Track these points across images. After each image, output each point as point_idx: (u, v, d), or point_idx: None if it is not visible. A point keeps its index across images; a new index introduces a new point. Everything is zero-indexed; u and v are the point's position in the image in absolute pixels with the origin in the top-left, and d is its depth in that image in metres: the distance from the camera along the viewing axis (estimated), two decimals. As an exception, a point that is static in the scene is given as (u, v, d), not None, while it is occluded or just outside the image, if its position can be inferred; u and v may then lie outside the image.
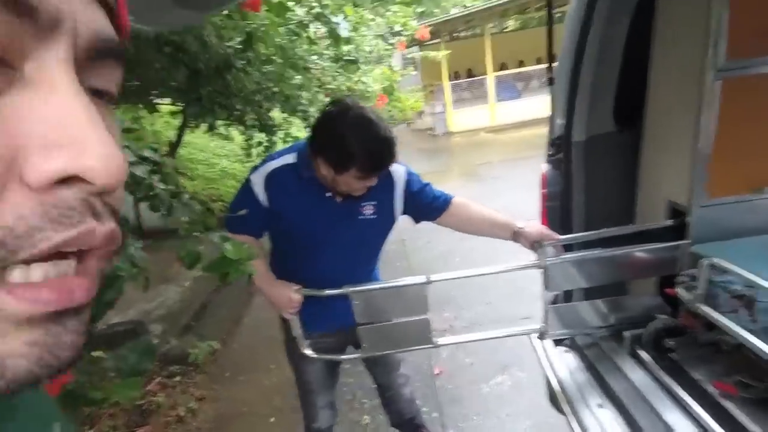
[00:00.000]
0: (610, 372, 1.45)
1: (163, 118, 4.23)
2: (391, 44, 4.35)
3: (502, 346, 2.71)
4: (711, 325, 1.29)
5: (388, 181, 1.39)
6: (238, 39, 2.02)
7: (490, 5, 11.28)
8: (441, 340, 1.45)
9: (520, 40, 14.07)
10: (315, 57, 3.23)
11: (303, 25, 2.31)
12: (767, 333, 1.02)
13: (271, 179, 1.32)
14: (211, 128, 2.33)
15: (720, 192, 1.34)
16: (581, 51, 1.55)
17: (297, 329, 1.40)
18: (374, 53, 4.14)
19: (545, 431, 2.12)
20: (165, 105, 3.29)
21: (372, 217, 1.38)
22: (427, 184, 1.47)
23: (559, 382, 1.52)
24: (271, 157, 1.39)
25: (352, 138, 1.16)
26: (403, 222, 1.58)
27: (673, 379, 1.29)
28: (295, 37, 2.63)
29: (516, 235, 1.40)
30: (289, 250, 1.44)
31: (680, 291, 1.30)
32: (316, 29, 2.99)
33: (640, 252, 1.42)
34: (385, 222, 1.43)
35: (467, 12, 11.57)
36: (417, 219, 1.50)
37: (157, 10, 0.73)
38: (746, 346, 1.19)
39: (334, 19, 2.22)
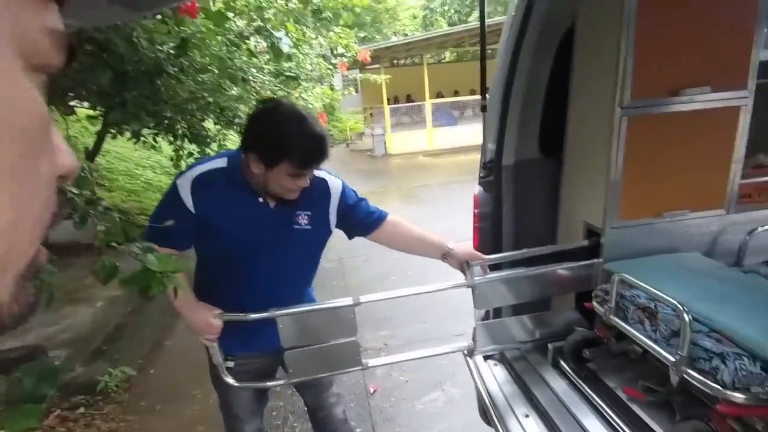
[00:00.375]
0: (536, 383, 1.53)
1: (81, 122, 3.89)
2: (333, 64, 4.40)
3: (436, 364, 2.74)
4: (621, 336, 1.41)
5: (324, 192, 1.37)
6: (172, 44, 1.93)
7: (429, 36, 11.89)
8: (371, 362, 1.43)
9: (456, 72, 14.88)
10: (255, 70, 3.19)
11: (243, 37, 2.27)
12: (668, 341, 1.13)
13: (199, 183, 1.24)
14: (136, 136, 2.18)
15: (629, 216, 1.49)
16: (510, 84, 1.68)
17: (217, 357, 1.31)
18: (316, 72, 4.16)
19: (476, 446, 2.16)
20: (83, 109, 3.04)
21: (307, 227, 1.34)
22: (363, 199, 1.47)
23: (489, 395, 1.56)
24: (199, 162, 1.32)
25: (286, 131, 1.15)
26: (341, 241, 1.58)
27: (589, 387, 1.39)
28: (234, 48, 2.58)
29: (445, 256, 1.44)
30: (218, 263, 1.35)
31: (595, 305, 1.41)
32: (257, 42, 2.96)
33: (560, 270, 1.53)
34: (320, 233, 1.40)
35: (407, 40, 12.08)
36: (350, 234, 1.48)
37: (86, 4, 0.68)
38: (650, 354, 1.32)
39: (276, 33, 2.21)
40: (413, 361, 2.78)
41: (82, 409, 2.54)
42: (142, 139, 2.95)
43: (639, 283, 1.22)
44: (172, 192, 1.25)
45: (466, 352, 1.53)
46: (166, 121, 2.68)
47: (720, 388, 0.97)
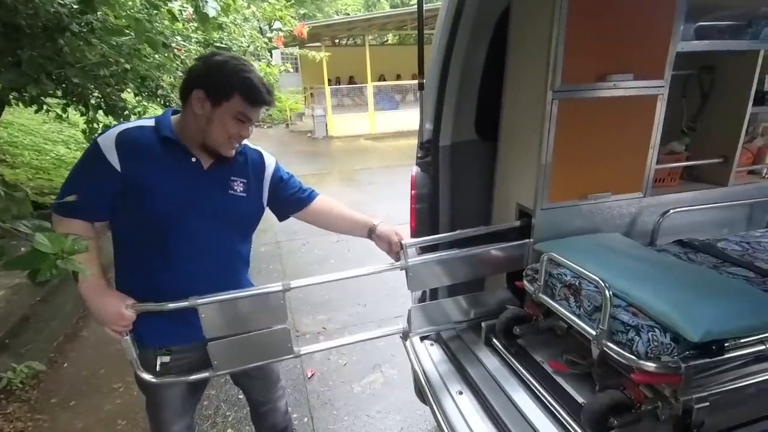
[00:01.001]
0: (469, 361, 1.56)
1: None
2: (269, 38, 4.17)
3: (374, 346, 2.75)
4: (549, 312, 1.47)
5: (260, 163, 1.33)
6: (76, -2, 1.70)
7: (371, 16, 11.71)
8: (303, 349, 1.37)
9: (399, 56, 14.83)
10: (180, 38, 2.93)
11: (163, -3, 2.06)
12: (590, 316, 1.18)
13: (126, 139, 1.12)
14: (35, 101, 1.90)
15: (557, 197, 1.54)
16: (446, 65, 1.66)
17: (131, 351, 1.19)
18: (250, 45, 3.93)
19: (414, 424, 2.20)
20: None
21: (242, 194, 1.27)
22: (292, 176, 1.44)
23: (424, 374, 1.58)
24: (121, 124, 1.18)
25: (236, 67, 1.12)
26: (278, 224, 1.49)
27: (519, 363, 1.44)
28: (155, 12, 2.33)
29: (371, 233, 1.43)
30: (143, 235, 1.19)
31: (526, 283, 1.46)
32: (183, 8, 2.71)
33: (493, 250, 1.56)
34: (254, 204, 1.33)
35: (349, 19, 11.81)
36: (281, 212, 1.44)
37: None
38: (574, 330, 1.39)
39: (201, -5, 2.02)
40: (352, 345, 2.79)
41: (-17, 412, 2.27)
42: (47, 108, 2.62)
43: (566, 261, 1.27)
44: (93, 151, 1.11)
45: (401, 335, 1.52)
46: (75, 89, 2.38)
47: (635, 358, 1.03)
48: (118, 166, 1.10)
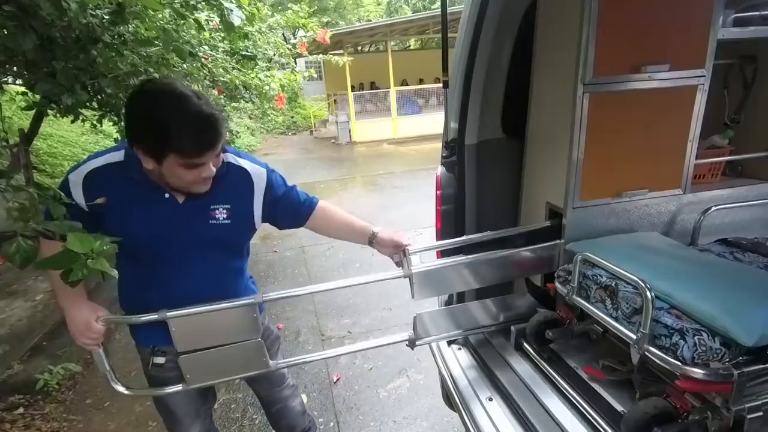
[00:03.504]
0: (499, 366, 1.51)
1: (16, 102, 3.54)
2: (293, 44, 4.23)
3: (400, 350, 2.72)
4: (583, 316, 1.41)
5: (245, 183, 1.23)
6: (107, 9, 1.75)
7: (393, 21, 11.76)
8: (280, 363, 1.34)
9: (421, 60, 14.83)
10: (207, 48, 2.99)
11: (190, 7, 2.10)
12: (629, 319, 1.12)
13: (92, 180, 1.08)
14: (70, 111, 1.96)
15: (590, 196, 1.48)
16: (472, 61, 1.63)
17: (103, 364, 1.17)
18: (274, 53, 3.98)
19: (442, 431, 2.15)
20: (14, 86, 2.75)
21: (226, 221, 1.19)
22: (292, 187, 1.35)
23: (452, 380, 1.53)
24: (95, 155, 1.14)
25: (164, 117, 0.97)
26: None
27: (552, 368, 1.38)
28: (182, 21, 2.39)
29: (371, 240, 1.37)
30: (128, 261, 1.18)
31: (558, 285, 1.40)
32: (209, 18, 2.77)
33: (516, 253, 1.49)
34: (243, 227, 1.26)
35: (371, 25, 11.89)
36: (282, 225, 1.36)
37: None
38: (610, 333, 1.32)
39: (226, 4, 2.05)
40: (377, 348, 2.76)
41: (21, 410, 2.36)
42: (83, 118, 2.71)
43: (602, 262, 1.20)
44: (63, 185, 1.08)
45: (407, 343, 1.46)
46: (108, 99, 2.45)
47: (680, 364, 0.97)
48: (84, 206, 1.07)
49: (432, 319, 1.51)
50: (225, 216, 1.19)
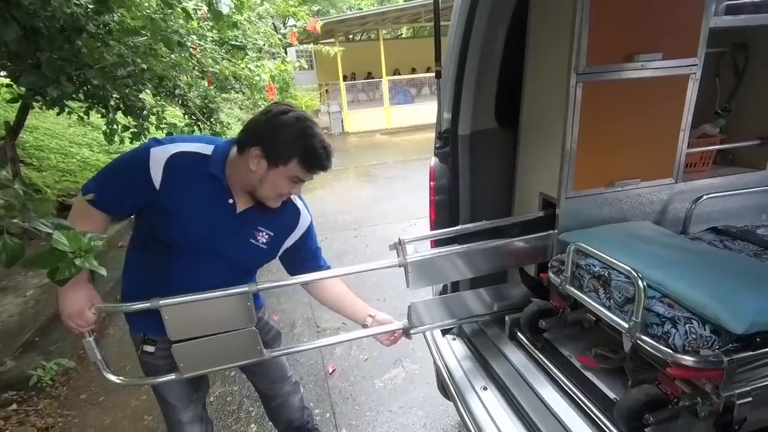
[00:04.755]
0: (494, 355, 1.52)
1: (2, 95, 3.47)
2: (284, 34, 4.16)
3: (394, 341, 2.73)
4: (576, 305, 1.42)
5: (293, 220, 1.31)
6: (91, -1, 1.71)
7: (384, 10, 11.62)
8: (274, 352, 1.32)
9: (413, 49, 14.69)
10: (195, 37, 2.94)
11: (177, -5, 2.06)
12: (621, 308, 1.13)
13: (176, 162, 1.11)
14: (56, 103, 1.93)
15: (583, 185, 1.48)
16: (465, 51, 1.61)
17: (93, 353, 1.16)
18: (264, 42, 3.93)
19: (437, 420, 2.17)
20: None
21: (262, 246, 1.26)
22: (319, 248, 1.43)
23: (447, 370, 1.55)
24: (183, 139, 1.18)
25: (299, 134, 1.08)
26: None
27: (545, 357, 1.40)
28: (169, 11, 2.34)
29: (365, 321, 1.41)
30: (155, 246, 1.20)
31: (551, 275, 1.41)
32: (197, 6, 2.72)
33: (509, 243, 1.49)
34: (269, 256, 1.32)
35: (362, 14, 11.74)
36: (291, 271, 1.41)
37: None
38: (603, 322, 1.33)
39: (214, -8, 2.01)
40: (372, 339, 2.76)
41: (14, 406, 2.34)
42: (69, 110, 2.66)
43: (595, 251, 1.21)
44: (142, 158, 1.10)
45: (402, 331, 1.46)
46: (96, 91, 2.41)
47: (671, 352, 0.98)
48: (157, 185, 1.10)
49: (426, 308, 1.51)
50: (265, 241, 1.25)
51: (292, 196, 1.27)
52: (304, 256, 1.38)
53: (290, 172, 1.11)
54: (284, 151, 1.08)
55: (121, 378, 1.24)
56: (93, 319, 1.12)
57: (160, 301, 1.11)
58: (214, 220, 1.18)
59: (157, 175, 1.09)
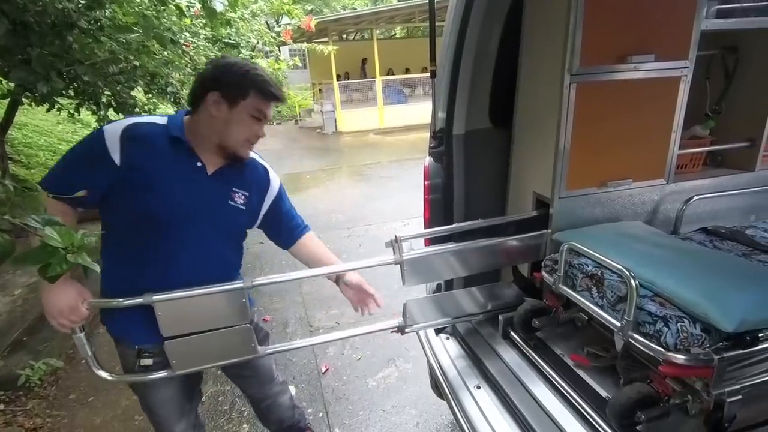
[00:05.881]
0: (487, 354, 1.53)
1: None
2: (278, 32, 4.15)
3: (387, 340, 2.73)
4: (569, 304, 1.43)
5: (264, 180, 1.33)
6: (83, -6, 1.69)
7: (378, 10, 11.62)
8: (269, 349, 1.32)
9: (407, 49, 14.70)
10: (188, 35, 2.92)
11: (170, -8, 2.04)
12: (613, 307, 1.14)
13: (132, 133, 1.09)
14: (46, 99, 1.90)
15: (576, 185, 1.50)
16: (459, 51, 1.62)
17: (84, 349, 1.14)
18: (258, 41, 3.91)
19: (430, 419, 2.18)
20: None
21: (241, 207, 1.25)
22: (293, 208, 1.44)
23: (440, 369, 1.55)
24: (135, 116, 1.20)
25: (246, 68, 1.12)
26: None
27: (538, 356, 1.40)
28: (162, 7, 2.32)
29: (338, 279, 1.42)
30: (133, 232, 1.14)
31: (545, 274, 1.42)
32: (190, 4, 2.70)
33: (500, 242, 1.50)
34: (250, 218, 1.32)
35: (356, 13, 11.74)
36: (272, 236, 1.43)
37: None
38: (595, 321, 1.34)
39: (207, -11, 2.00)
40: (365, 338, 2.76)
41: (1, 406, 2.30)
42: (59, 107, 2.63)
43: (588, 251, 1.22)
44: (97, 139, 1.07)
45: (397, 329, 1.47)
46: (86, 87, 2.38)
47: (663, 350, 0.99)
48: (117, 160, 1.07)
49: (420, 306, 1.52)
50: (242, 202, 1.25)
51: (257, 158, 1.32)
52: (283, 218, 1.39)
53: (251, 106, 1.13)
54: (239, 86, 1.10)
55: (112, 375, 1.22)
56: (86, 314, 1.10)
57: (154, 297, 1.09)
58: (187, 185, 1.15)
59: (114, 150, 1.07)
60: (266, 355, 1.32)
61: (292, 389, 2.40)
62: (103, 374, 1.19)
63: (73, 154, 1.11)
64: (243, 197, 1.25)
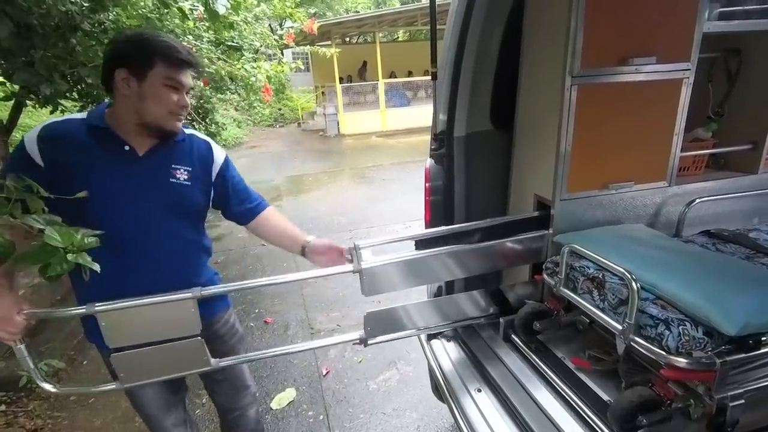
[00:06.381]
0: (488, 358, 1.52)
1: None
2: (280, 35, 4.16)
3: (389, 343, 2.72)
4: (570, 307, 1.42)
5: (207, 154, 1.27)
6: (87, -4, 1.70)
7: (381, 13, 11.66)
8: (221, 362, 1.27)
9: (409, 52, 14.74)
10: (191, 37, 2.93)
11: (173, -5, 2.05)
12: (615, 310, 1.13)
13: (49, 132, 1.07)
14: (49, 102, 1.91)
15: (577, 188, 1.49)
16: (460, 53, 1.62)
17: (27, 362, 1.09)
18: (262, 47, 3.92)
19: (431, 422, 2.17)
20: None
21: (185, 182, 1.20)
22: (242, 180, 1.37)
23: (441, 372, 1.54)
24: (50, 118, 1.15)
25: (142, 36, 1.08)
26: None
27: (540, 359, 1.40)
28: (165, 10, 2.34)
29: (303, 249, 1.36)
30: (84, 227, 1.08)
31: (546, 277, 1.41)
32: (193, 7, 2.72)
33: (481, 247, 1.45)
34: (201, 194, 1.25)
35: (359, 17, 11.78)
36: (229, 211, 1.36)
37: None
38: (597, 324, 1.34)
39: (210, -8, 2.01)
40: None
41: (3, 407, 2.31)
42: (63, 109, 2.64)
43: (589, 253, 1.22)
44: (18, 146, 1.07)
45: (358, 341, 1.42)
46: (89, 89, 2.39)
47: (664, 353, 0.98)
48: (39, 161, 1.05)
49: (379, 318, 1.46)
50: (186, 177, 1.20)
51: (197, 134, 1.27)
52: (233, 190, 1.33)
53: (161, 76, 1.07)
54: (143, 57, 1.05)
55: (55, 386, 1.18)
56: (23, 325, 1.06)
57: (95, 307, 1.05)
58: (117, 172, 1.11)
59: (34, 152, 1.05)
60: (220, 368, 1.27)
61: (292, 392, 2.40)
62: (47, 386, 1.16)
63: (4, 167, 1.09)
64: (186, 172, 1.20)
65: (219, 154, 1.29)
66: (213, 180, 1.28)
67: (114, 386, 1.19)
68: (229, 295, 1.47)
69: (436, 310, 1.57)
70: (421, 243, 1.46)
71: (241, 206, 1.35)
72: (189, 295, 1.11)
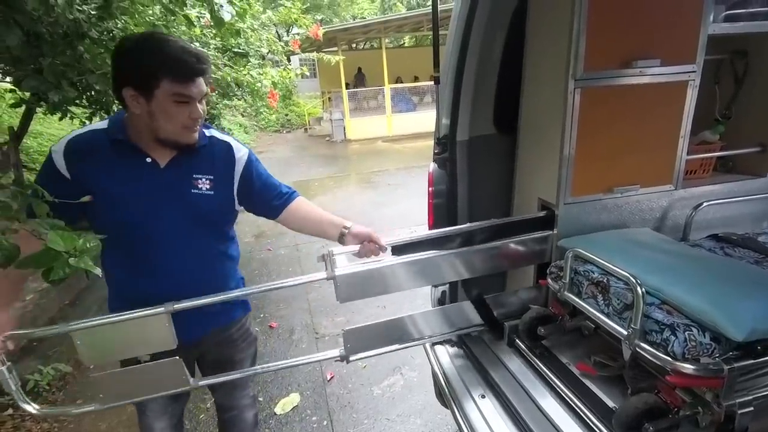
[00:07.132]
0: (492, 363, 1.50)
1: (5, 100, 3.51)
2: (286, 42, 4.20)
3: (394, 348, 2.71)
4: (575, 312, 1.41)
5: (228, 156, 1.23)
6: (94, 4, 1.72)
7: (387, 19, 11.73)
8: (201, 381, 1.27)
9: (415, 57, 14.78)
10: (198, 44, 2.97)
11: (180, 2, 2.07)
12: (620, 315, 1.12)
13: (74, 145, 1.08)
14: (58, 108, 1.94)
15: (581, 191, 1.48)
16: (463, 57, 1.62)
17: (8, 384, 1.06)
18: (269, 54, 3.96)
19: (435, 428, 2.15)
20: (4, 83, 2.72)
21: (209, 192, 1.18)
22: (270, 177, 1.33)
23: (445, 377, 1.53)
24: (76, 129, 1.15)
25: (151, 50, 1.01)
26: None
27: (544, 365, 1.38)
28: (172, 18, 2.37)
29: (342, 236, 1.32)
30: (113, 240, 1.09)
31: (550, 281, 1.40)
32: (200, 15, 2.75)
33: (457, 252, 1.42)
34: (225, 202, 1.24)
35: (365, 22, 11.86)
36: (257, 208, 1.33)
37: None
38: (602, 329, 1.32)
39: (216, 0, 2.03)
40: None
41: (10, 411, 2.33)
42: (72, 116, 2.68)
43: (593, 257, 1.20)
44: (47, 159, 1.08)
45: (339, 358, 1.41)
46: (97, 96, 2.43)
47: (670, 359, 0.96)
48: (66, 173, 1.07)
49: (360, 334, 1.44)
50: (208, 187, 1.18)
51: (217, 134, 1.24)
52: (258, 186, 1.29)
53: (169, 92, 1.02)
54: (147, 75, 1.00)
55: (36, 408, 1.16)
56: (5, 349, 1.04)
57: (70, 326, 1.05)
58: (141, 185, 1.11)
59: (62, 165, 1.06)
60: (201, 386, 1.27)
61: (296, 397, 2.40)
62: (29, 408, 1.15)
63: (36, 181, 1.09)
64: (208, 182, 1.18)
65: (241, 154, 1.25)
66: (235, 182, 1.25)
67: (93, 407, 1.19)
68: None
69: (423, 322, 1.53)
70: (398, 249, 1.41)
71: (268, 203, 1.32)
72: (161, 310, 1.10)
